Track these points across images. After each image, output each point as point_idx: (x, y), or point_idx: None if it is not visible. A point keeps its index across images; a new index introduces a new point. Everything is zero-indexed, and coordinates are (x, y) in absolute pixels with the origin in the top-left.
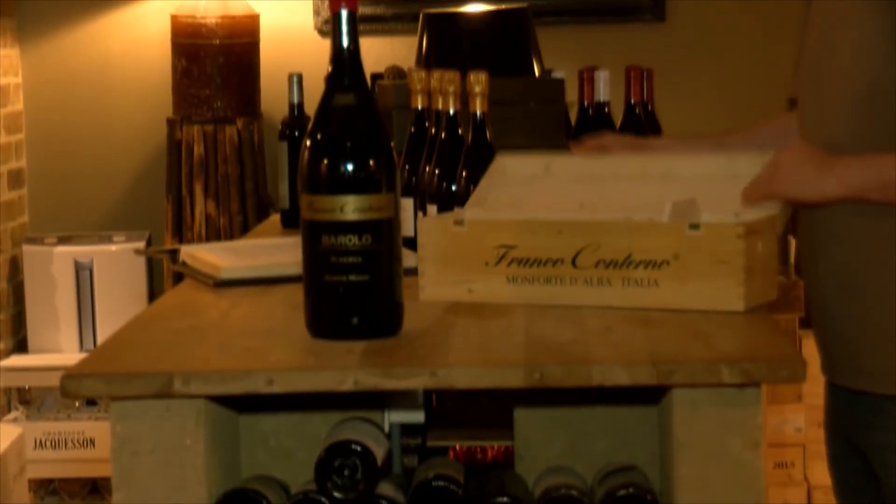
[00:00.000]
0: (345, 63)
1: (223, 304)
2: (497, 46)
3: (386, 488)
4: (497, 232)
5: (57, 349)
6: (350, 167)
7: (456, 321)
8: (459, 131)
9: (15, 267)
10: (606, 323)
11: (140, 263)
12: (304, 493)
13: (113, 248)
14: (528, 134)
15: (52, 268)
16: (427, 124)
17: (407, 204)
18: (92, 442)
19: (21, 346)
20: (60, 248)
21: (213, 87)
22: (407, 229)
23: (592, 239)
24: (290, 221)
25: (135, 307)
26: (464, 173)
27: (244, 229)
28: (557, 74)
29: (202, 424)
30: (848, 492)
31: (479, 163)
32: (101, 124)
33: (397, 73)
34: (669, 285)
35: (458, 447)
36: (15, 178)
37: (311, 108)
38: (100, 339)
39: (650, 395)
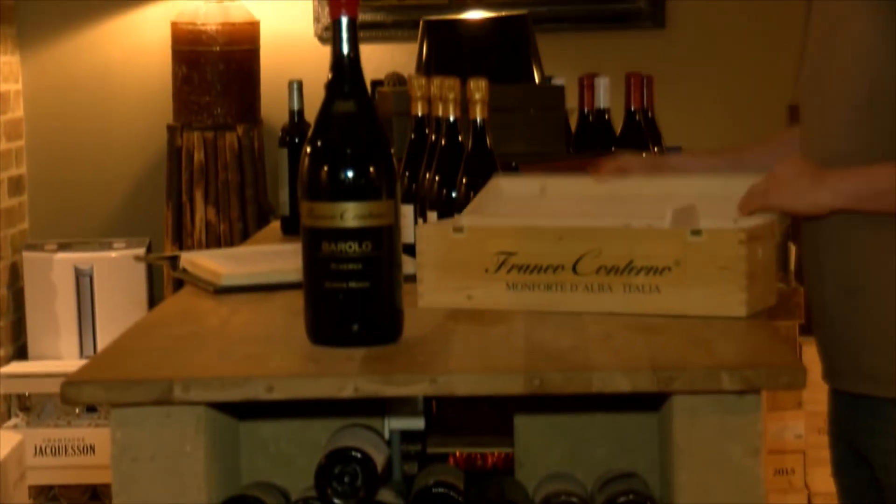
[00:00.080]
0: (345, 70)
1: (223, 310)
2: (497, 53)
3: (386, 495)
4: (497, 238)
5: (57, 356)
6: (350, 174)
7: (456, 328)
8: (459, 138)
9: (15, 273)
10: (606, 329)
11: (140, 270)
12: (305, 499)
13: (113, 254)
14: (528, 141)
15: (53, 274)
16: (427, 131)
17: (407, 211)
18: (92, 448)
19: (21, 353)
20: (60, 255)
21: (213, 94)
22: (407, 236)
23: (593, 245)
24: (291, 228)
25: (135, 314)
26: (464, 180)
27: (244, 236)
28: (557, 81)
29: (202, 431)
30: (852, 499)
31: (479, 170)
32: (102, 131)
33: (397, 79)
34: (671, 291)
35: (458, 454)
36: (15, 185)
37: (311, 114)
38: (100, 346)
39: (650, 402)
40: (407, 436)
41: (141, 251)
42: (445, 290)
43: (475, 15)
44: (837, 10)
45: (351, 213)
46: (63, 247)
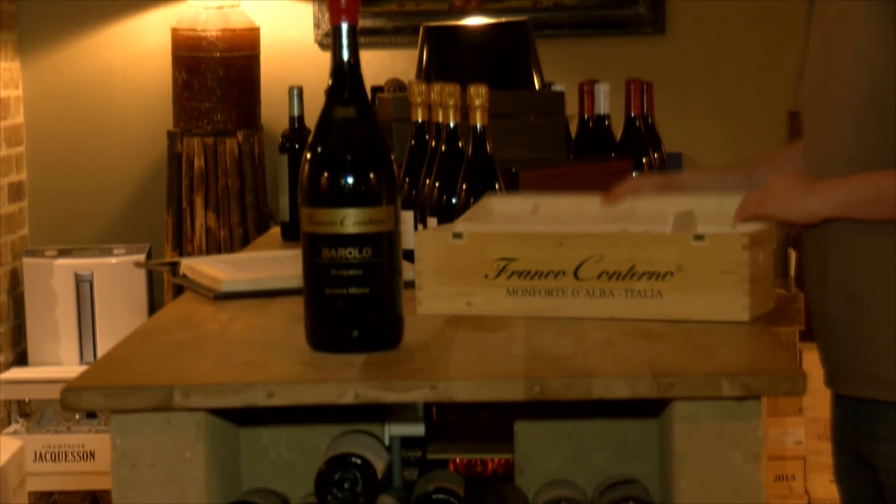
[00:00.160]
0: (345, 76)
1: (223, 316)
2: (497, 59)
3: (386, 501)
4: (497, 244)
5: (57, 362)
6: (350, 180)
7: (456, 334)
8: (459, 144)
9: (15, 280)
10: (606, 336)
11: (140, 276)
12: None
13: (113, 260)
14: (528, 147)
15: (53, 280)
16: (427, 137)
17: (407, 216)
18: (92, 455)
19: (21, 359)
20: (61, 261)
21: (213, 100)
22: (407, 242)
23: (595, 251)
24: (291, 234)
25: (135, 320)
26: (464, 186)
27: (244, 242)
28: (557, 87)
29: (202, 437)
30: None
31: (479, 176)
32: (102, 137)
33: (397, 85)
34: (673, 296)
35: (458, 460)
36: (15, 191)
37: (311, 120)
38: (100, 352)
39: (650, 408)
40: (407, 442)
41: (141, 257)
42: (445, 296)
43: (475, 21)
44: (838, 12)
45: (351, 219)
46: (63, 253)
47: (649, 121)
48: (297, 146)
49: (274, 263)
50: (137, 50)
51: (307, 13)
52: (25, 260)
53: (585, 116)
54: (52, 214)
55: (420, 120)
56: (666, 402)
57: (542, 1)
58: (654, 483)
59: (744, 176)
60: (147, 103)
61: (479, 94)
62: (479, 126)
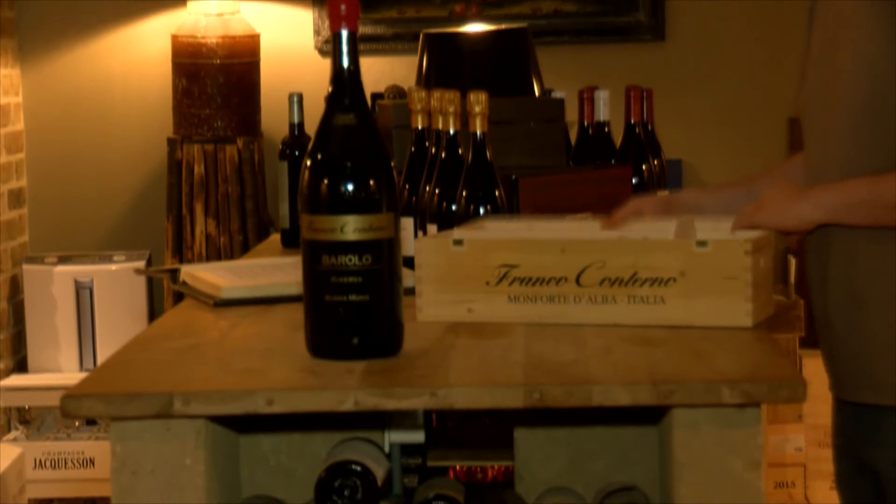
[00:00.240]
0: (345, 83)
1: (223, 323)
2: (497, 66)
3: None
4: (498, 251)
5: (57, 369)
6: (350, 187)
7: (456, 341)
8: (459, 151)
9: (15, 286)
10: (606, 342)
11: (140, 283)
12: None
13: (113, 267)
14: (528, 154)
15: (53, 287)
16: (427, 144)
17: (407, 223)
18: (92, 462)
19: (21, 366)
20: (61, 268)
21: (213, 107)
22: (407, 249)
23: (597, 257)
24: (291, 241)
25: (135, 327)
26: (464, 193)
27: (244, 249)
28: (557, 94)
29: (202, 444)
30: None
31: (479, 182)
32: (102, 144)
33: (397, 92)
34: (676, 302)
35: (458, 467)
36: (15, 198)
37: (311, 127)
38: (100, 359)
39: (650, 415)
40: (407, 449)
41: (141, 264)
42: (445, 303)
43: (475, 28)
44: (839, 12)
45: (351, 226)
46: (63, 260)
47: (649, 128)
48: (297, 153)
49: (274, 270)
50: (137, 57)
51: (307, 20)
52: (25, 267)
53: (585, 123)
54: (52, 221)
55: (420, 127)
56: (666, 409)
57: (542, 8)
58: (654, 490)
59: (744, 192)
60: (147, 110)
61: (479, 101)
62: (479, 133)
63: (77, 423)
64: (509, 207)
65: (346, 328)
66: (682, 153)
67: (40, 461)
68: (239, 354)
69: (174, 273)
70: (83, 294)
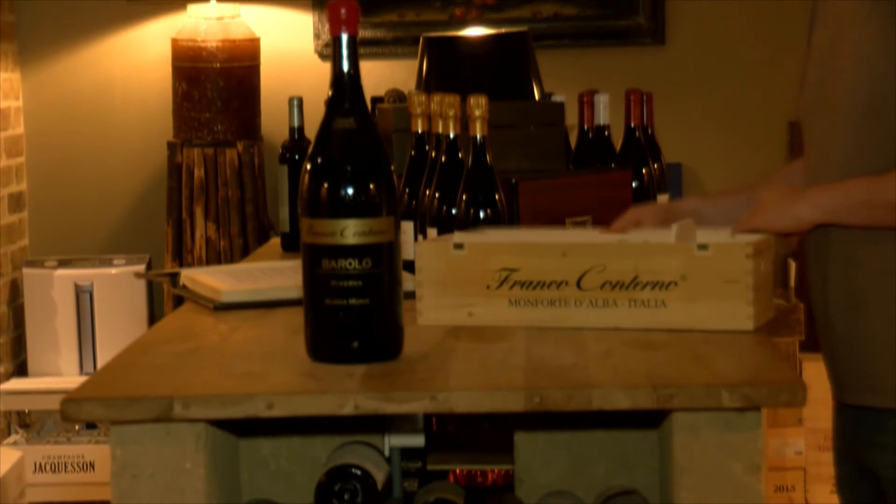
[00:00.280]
0: (345, 87)
1: (223, 327)
2: (497, 70)
3: None
4: (499, 255)
5: (57, 372)
6: (350, 191)
7: (456, 345)
8: (459, 155)
9: (15, 290)
10: (607, 346)
11: (140, 287)
12: None
13: (113, 271)
14: (528, 157)
15: (53, 291)
16: (427, 148)
17: (407, 227)
18: (92, 465)
19: (21, 370)
20: (61, 272)
21: (213, 111)
22: (407, 253)
23: (598, 261)
24: (291, 245)
25: (135, 330)
26: (464, 197)
27: (244, 252)
28: (557, 98)
29: (202, 448)
30: None
31: (479, 186)
32: (102, 148)
33: (397, 96)
34: (677, 306)
35: (458, 471)
36: (15, 202)
37: (311, 131)
38: (100, 363)
39: (650, 419)
40: (407, 453)
41: (141, 268)
42: (445, 307)
43: (475, 32)
44: (840, 13)
45: (351, 230)
46: (63, 263)
47: (649, 131)
48: (297, 157)
49: (274, 274)
50: (137, 60)
51: (307, 24)
52: (25, 270)
53: (585, 127)
54: (52, 225)
55: (420, 130)
56: (666, 412)
57: (542, 12)
58: (654, 494)
59: (744, 199)
60: (147, 114)
61: (478, 105)
62: (478, 136)
63: (77, 427)
64: (509, 211)
65: (347, 332)
66: (682, 157)
67: (40, 465)
68: (239, 358)
69: (174, 277)
70: (83, 298)
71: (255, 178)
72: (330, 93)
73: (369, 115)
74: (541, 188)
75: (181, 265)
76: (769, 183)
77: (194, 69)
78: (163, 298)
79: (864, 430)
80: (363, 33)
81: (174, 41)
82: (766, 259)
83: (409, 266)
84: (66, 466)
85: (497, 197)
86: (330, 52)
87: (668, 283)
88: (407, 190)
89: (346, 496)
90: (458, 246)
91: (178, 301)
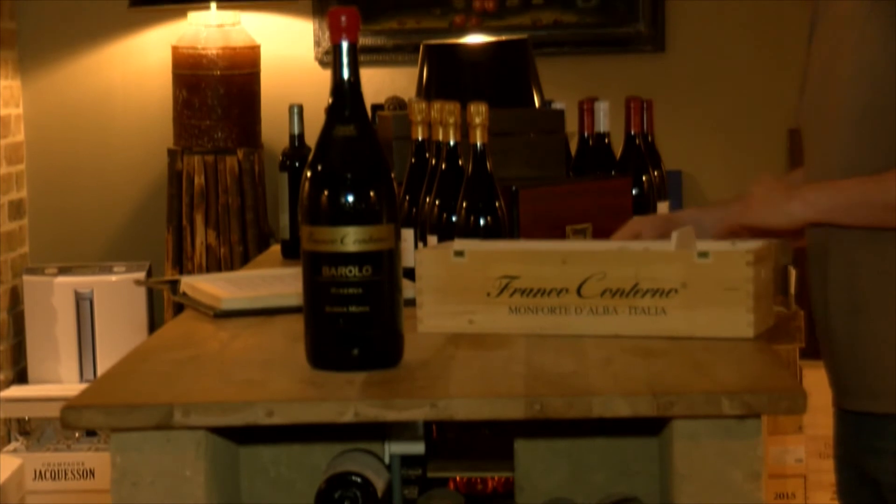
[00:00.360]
0: (345, 95)
1: (223, 335)
2: (497, 78)
3: None
4: (499, 262)
5: (57, 380)
6: (350, 198)
7: (456, 352)
8: (460, 162)
9: (15, 297)
10: (607, 354)
11: (140, 294)
12: None
13: (113, 278)
14: (528, 165)
15: (53, 298)
16: (427, 155)
17: (407, 235)
18: (92, 473)
19: (21, 377)
20: (61, 279)
21: (213, 118)
22: (408, 260)
23: (598, 268)
24: (291, 252)
25: (135, 338)
26: (464, 204)
27: (245, 260)
28: (557, 105)
29: (202, 456)
30: None
31: (479, 193)
32: (102, 155)
33: (397, 103)
34: (677, 313)
35: (458, 478)
36: (16, 209)
37: (311, 138)
38: (100, 370)
39: (650, 427)
40: (407, 460)
41: (141, 275)
42: (446, 315)
43: (475, 39)
44: (842, 14)
45: (351, 238)
46: (63, 271)
47: (649, 139)
48: (297, 164)
49: (274, 281)
50: (138, 68)
51: (307, 31)
52: (25, 278)
53: (585, 134)
54: (52, 232)
55: (420, 138)
56: (666, 420)
57: (542, 19)
58: (654, 501)
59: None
60: (147, 121)
61: (479, 112)
62: (479, 144)
63: (77, 435)
64: (509, 218)
65: (347, 339)
66: (682, 164)
67: (40, 472)
68: (239, 365)
69: (174, 284)
70: (83, 305)
71: (256, 186)
72: (330, 100)
73: (369, 123)
74: (541, 195)
75: (181, 272)
76: None
77: (195, 76)
78: (163, 306)
79: (865, 435)
80: (363, 41)
81: (174, 49)
82: (766, 266)
83: (410, 273)
84: (66, 474)
85: (497, 204)
86: (330, 59)
87: (669, 291)
88: (407, 197)
89: (346, 503)
90: (459, 253)
91: (179, 308)
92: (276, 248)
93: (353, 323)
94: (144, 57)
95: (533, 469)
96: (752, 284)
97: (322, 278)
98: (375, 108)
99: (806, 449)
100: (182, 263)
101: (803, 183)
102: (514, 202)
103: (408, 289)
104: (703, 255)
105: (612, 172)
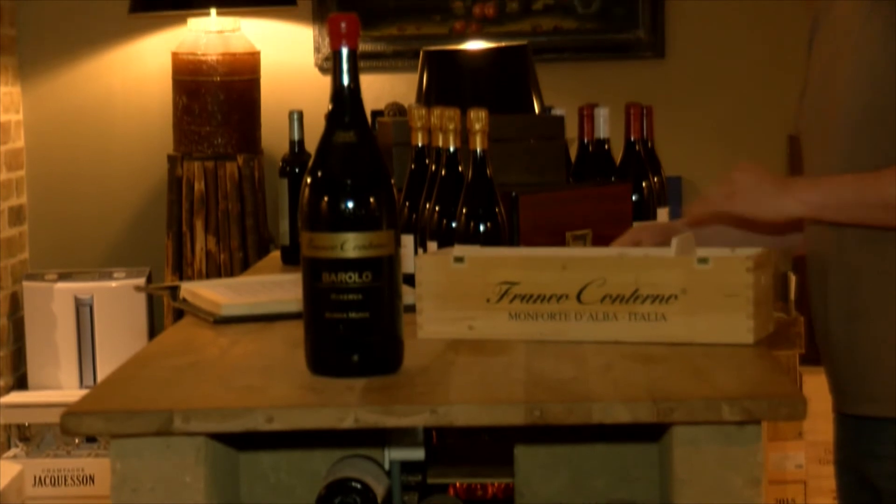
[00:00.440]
0: (345, 101)
1: (223, 341)
2: (497, 84)
3: None
4: (499, 268)
5: (57, 386)
6: (350, 204)
7: (456, 358)
8: (459, 168)
9: (15, 303)
10: (607, 360)
11: (140, 300)
12: None
13: (113, 284)
14: (528, 171)
15: (53, 304)
16: (427, 161)
17: (407, 241)
18: (91, 479)
19: (21, 383)
20: (61, 285)
21: (213, 124)
22: (407, 266)
23: (598, 274)
24: (291, 258)
25: (135, 344)
26: (464, 210)
27: (244, 266)
28: (557, 111)
29: (202, 462)
30: None
31: (479, 200)
32: (102, 161)
33: (397, 109)
34: (677, 319)
35: (458, 484)
36: (16, 215)
37: (311, 145)
38: (100, 376)
39: (650, 433)
40: (407, 466)
41: (141, 281)
42: (446, 321)
43: (475, 45)
44: (842, 17)
45: (351, 244)
46: (63, 276)
47: (649, 145)
48: (297, 170)
49: (274, 287)
50: (138, 74)
51: (307, 37)
52: (25, 284)
53: (585, 140)
54: (52, 238)
55: (420, 144)
56: (666, 426)
57: (542, 25)
58: None
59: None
60: (147, 127)
61: (479, 119)
62: (479, 150)
63: (77, 441)
64: (509, 224)
65: (347, 345)
66: (682, 170)
67: (40, 478)
68: (239, 372)
69: (174, 290)
70: (83, 311)
71: (256, 192)
72: (330, 106)
73: (369, 129)
74: (541, 201)
75: (181, 278)
76: None
77: (195, 82)
78: (163, 312)
79: (864, 440)
80: (363, 47)
81: (174, 55)
82: (766, 272)
83: (410, 279)
84: (65, 480)
85: (497, 210)
86: (330, 65)
87: (669, 297)
88: (407, 203)
89: None
90: (459, 259)
91: (178, 314)
92: (275, 254)
93: (353, 329)
94: (144, 63)
95: (533, 475)
96: (751, 290)
97: (322, 284)
98: (375, 114)
99: (806, 455)
100: (182, 269)
101: (795, 177)
102: (514, 208)
103: (408, 295)
104: (703, 261)
105: (612, 178)
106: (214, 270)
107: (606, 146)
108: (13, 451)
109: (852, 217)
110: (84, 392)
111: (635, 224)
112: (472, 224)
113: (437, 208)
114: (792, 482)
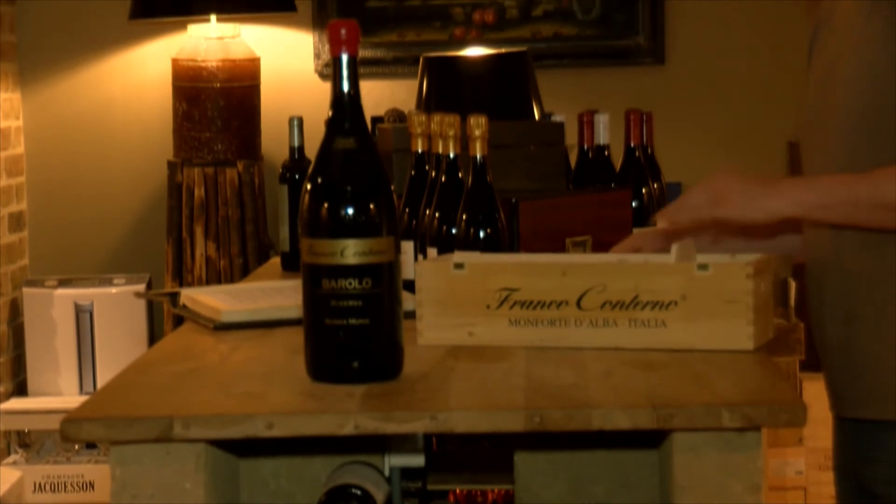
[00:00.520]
0: (345, 107)
1: (223, 347)
2: (497, 90)
3: None
4: (499, 275)
5: (57, 392)
6: (350, 211)
7: (456, 365)
8: (459, 174)
9: (15, 309)
10: (607, 366)
11: (140, 306)
12: None
13: (113, 290)
14: (528, 177)
15: (53, 310)
16: (427, 167)
17: (407, 247)
18: (91, 485)
19: (21, 389)
20: (61, 291)
21: (213, 130)
22: (407, 272)
23: (598, 280)
24: (291, 264)
25: (135, 350)
26: (464, 216)
27: (244, 272)
28: (557, 118)
29: (202, 468)
30: None
31: (479, 206)
32: (102, 167)
33: (397, 116)
34: (677, 326)
35: (458, 491)
36: (16, 221)
37: (311, 151)
38: (100, 382)
39: (650, 439)
40: (407, 473)
41: (141, 287)
42: (446, 327)
43: (475, 52)
44: (842, 20)
45: (351, 250)
46: (63, 283)
47: (649, 151)
48: (297, 176)
49: (274, 294)
50: (138, 80)
51: (307, 44)
52: (25, 290)
53: (585, 147)
54: (52, 244)
55: (420, 150)
56: (666, 432)
57: (542, 31)
58: None
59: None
60: (147, 133)
61: (478, 125)
62: (478, 156)
63: (77, 447)
64: (509, 231)
65: (346, 352)
66: (682, 176)
67: (40, 485)
68: (239, 378)
69: (174, 296)
70: (83, 317)
71: (256, 198)
72: (330, 113)
73: (369, 135)
74: (541, 208)
75: (181, 285)
76: None
77: (195, 89)
78: (163, 318)
79: (862, 445)
80: (363, 53)
81: (174, 61)
82: (766, 279)
83: (410, 286)
84: (65, 486)
85: (497, 217)
86: (330, 71)
87: (669, 303)
88: (407, 210)
89: None
90: (459, 266)
91: (178, 321)
92: (275, 261)
93: (353, 335)
94: (144, 69)
95: (533, 481)
96: (751, 297)
97: (322, 291)
98: (375, 120)
99: (806, 461)
100: (182, 275)
101: (783, 178)
102: (514, 214)
103: (408, 301)
104: (703, 267)
105: (612, 185)
106: (214, 277)
107: (606, 152)
108: (13, 457)
109: (846, 217)
110: (84, 398)
111: (635, 230)
112: (472, 230)
113: (436, 214)
114: (792, 488)
